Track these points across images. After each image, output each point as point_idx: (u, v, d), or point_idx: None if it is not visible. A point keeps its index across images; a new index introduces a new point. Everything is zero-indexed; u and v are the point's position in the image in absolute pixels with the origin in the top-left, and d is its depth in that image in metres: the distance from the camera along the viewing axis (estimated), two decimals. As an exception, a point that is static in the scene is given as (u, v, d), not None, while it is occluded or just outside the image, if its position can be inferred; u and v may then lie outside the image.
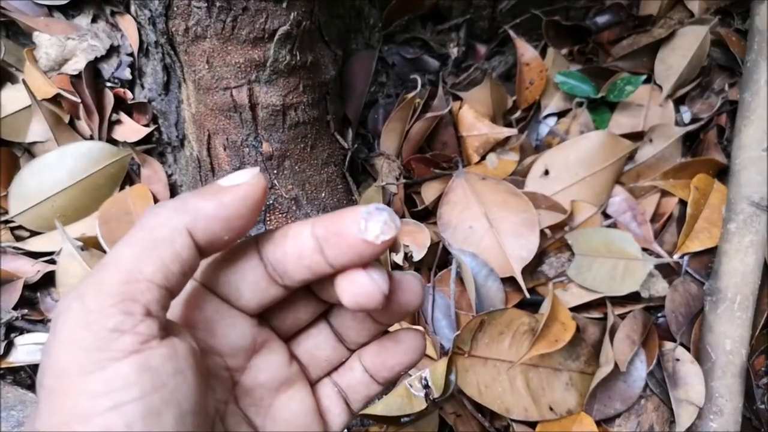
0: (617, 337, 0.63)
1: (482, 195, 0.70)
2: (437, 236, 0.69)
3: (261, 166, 0.62)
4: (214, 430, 0.27)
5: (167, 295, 0.24)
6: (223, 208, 0.24)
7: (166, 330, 0.24)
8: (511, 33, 0.77)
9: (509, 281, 0.67)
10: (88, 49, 0.66)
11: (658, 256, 0.69)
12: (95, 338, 0.22)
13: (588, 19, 0.81)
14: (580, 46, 0.81)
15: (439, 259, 0.69)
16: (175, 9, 0.53)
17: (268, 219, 0.64)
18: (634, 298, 0.67)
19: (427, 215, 0.73)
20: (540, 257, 0.70)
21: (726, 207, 0.69)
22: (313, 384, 0.33)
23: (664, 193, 0.73)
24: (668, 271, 0.69)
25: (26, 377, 0.64)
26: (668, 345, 0.66)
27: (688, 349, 0.66)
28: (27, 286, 0.65)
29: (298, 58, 0.57)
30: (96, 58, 0.66)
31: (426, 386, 0.59)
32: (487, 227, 0.68)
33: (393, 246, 0.66)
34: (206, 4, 0.52)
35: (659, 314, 0.68)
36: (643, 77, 0.74)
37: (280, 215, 0.65)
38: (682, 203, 0.72)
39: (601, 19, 0.81)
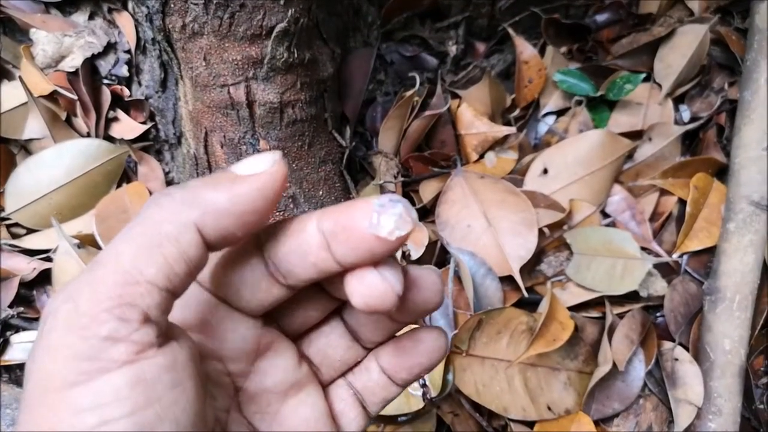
0: (616, 336, 0.63)
1: (481, 194, 0.69)
2: (435, 235, 0.69)
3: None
4: None
5: (169, 298, 0.22)
6: (238, 202, 0.22)
7: (166, 335, 0.22)
8: (510, 31, 0.77)
9: (507, 280, 0.67)
10: (85, 46, 0.66)
11: (657, 255, 0.69)
12: (86, 346, 0.20)
13: (587, 18, 0.81)
14: (579, 45, 0.81)
15: (437, 257, 0.69)
16: (172, 6, 0.53)
17: (265, 217, 0.64)
18: (632, 297, 0.66)
19: (425, 214, 0.73)
20: (538, 256, 0.70)
21: (725, 206, 0.68)
22: (326, 386, 0.30)
23: (663, 192, 0.73)
24: (667, 271, 0.69)
25: (22, 375, 0.64)
26: (667, 344, 0.66)
27: (687, 349, 0.66)
28: (23, 284, 0.65)
29: (296, 55, 0.57)
30: (93, 55, 0.66)
31: (423, 385, 0.59)
32: (485, 226, 0.68)
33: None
34: (203, 1, 0.52)
35: (658, 314, 0.68)
36: (643, 76, 0.74)
37: (276, 213, 0.64)
38: (682, 202, 0.72)
39: (601, 18, 0.81)
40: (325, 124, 0.66)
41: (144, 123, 0.68)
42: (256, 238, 0.25)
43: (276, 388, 0.28)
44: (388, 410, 0.58)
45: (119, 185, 0.69)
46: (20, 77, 0.65)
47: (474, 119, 0.74)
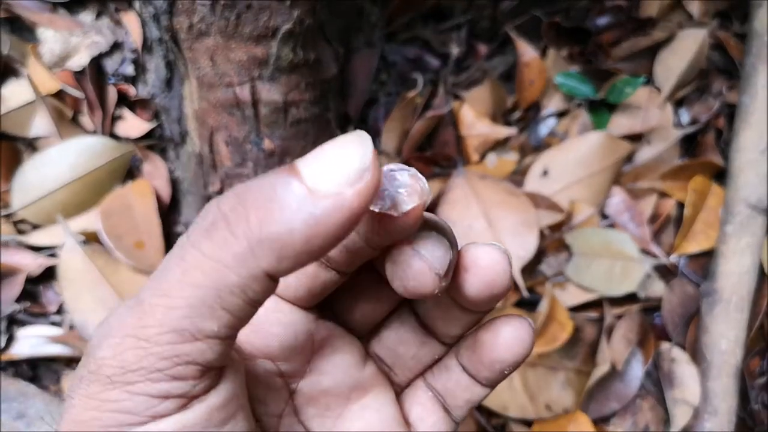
0: (614, 336, 0.63)
1: (481, 194, 0.70)
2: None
3: (263, 163, 0.62)
4: None
5: (233, 337, 0.19)
6: (318, 236, 0.17)
7: (221, 370, 0.19)
8: (512, 34, 0.78)
9: (507, 280, 0.67)
10: (91, 45, 0.66)
11: (655, 256, 0.69)
12: (132, 403, 0.18)
13: (588, 21, 0.82)
14: (580, 48, 0.81)
15: (438, 257, 0.69)
16: (180, 6, 0.54)
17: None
18: (631, 298, 0.67)
19: (426, 214, 0.73)
20: (538, 257, 0.70)
21: (723, 209, 0.69)
22: (403, 388, 0.27)
23: (662, 195, 0.73)
24: (665, 272, 0.70)
25: (27, 370, 0.64)
26: (664, 345, 0.66)
27: (684, 350, 0.66)
28: (29, 280, 0.65)
29: (301, 55, 0.58)
30: (99, 54, 0.66)
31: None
32: (486, 226, 0.69)
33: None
34: (210, 2, 0.53)
35: (656, 314, 0.69)
36: (643, 79, 0.75)
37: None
38: (680, 205, 0.72)
39: (601, 21, 0.81)
40: (329, 123, 0.66)
41: (149, 122, 0.69)
42: None
43: (336, 389, 0.25)
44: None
45: (124, 183, 0.70)
46: (28, 75, 0.66)
47: (475, 120, 0.75)
